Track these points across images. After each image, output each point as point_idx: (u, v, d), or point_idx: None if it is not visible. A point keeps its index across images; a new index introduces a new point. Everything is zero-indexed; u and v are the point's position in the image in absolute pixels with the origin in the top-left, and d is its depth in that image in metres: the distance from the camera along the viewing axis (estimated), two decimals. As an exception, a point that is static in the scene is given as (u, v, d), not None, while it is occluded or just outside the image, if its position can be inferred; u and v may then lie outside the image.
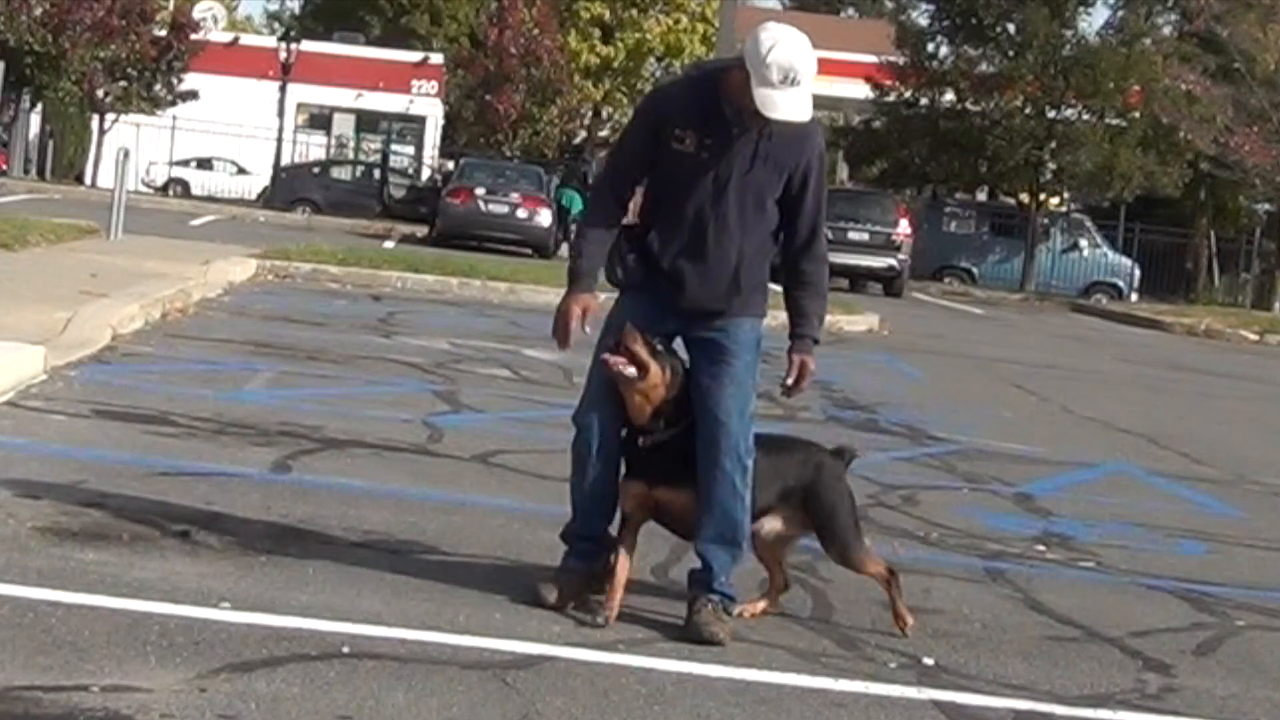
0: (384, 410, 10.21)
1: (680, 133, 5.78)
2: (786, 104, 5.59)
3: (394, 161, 49.85)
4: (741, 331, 5.90)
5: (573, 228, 32.13)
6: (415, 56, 55.50)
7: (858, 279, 34.64)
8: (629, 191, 5.99)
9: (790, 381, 5.95)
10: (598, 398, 5.91)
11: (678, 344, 5.99)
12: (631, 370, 5.74)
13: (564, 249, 32.27)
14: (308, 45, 48.39)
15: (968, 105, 42.11)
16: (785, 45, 5.58)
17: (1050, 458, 11.44)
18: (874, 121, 45.08)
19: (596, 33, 60.48)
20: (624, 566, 5.85)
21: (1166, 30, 46.30)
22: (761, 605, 6.16)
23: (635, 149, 5.99)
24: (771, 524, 6.06)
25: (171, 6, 48.75)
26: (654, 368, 5.75)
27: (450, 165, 43.73)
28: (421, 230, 37.33)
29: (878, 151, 44.55)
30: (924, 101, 42.78)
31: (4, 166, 45.14)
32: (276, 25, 68.97)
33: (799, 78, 5.57)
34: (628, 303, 5.96)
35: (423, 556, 6.43)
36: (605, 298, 6.01)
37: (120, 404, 9.32)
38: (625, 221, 6.00)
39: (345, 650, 5.15)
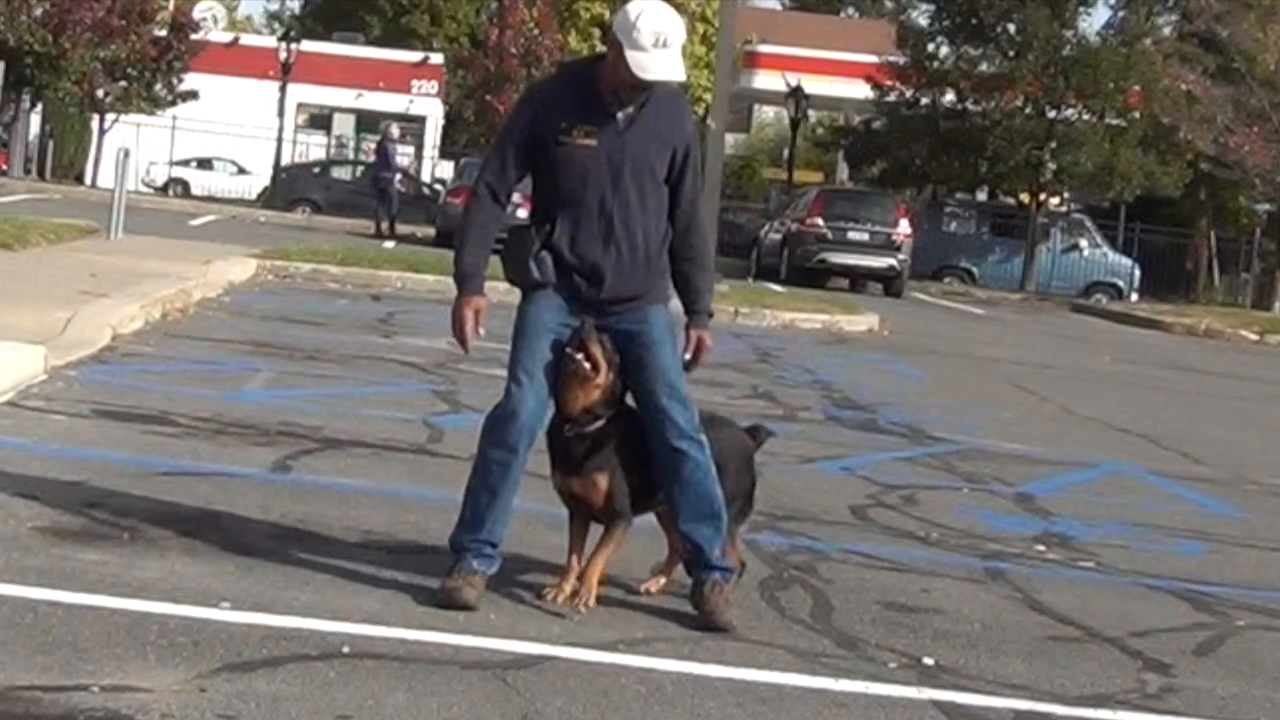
0: (384, 410, 10.21)
1: (566, 126, 5.85)
2: (660, 65, 5.74)
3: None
4: (658, 319, 5.99)
5: None
6: (415, 56, 55.48)
7: (858, 279, 34.63)
8: (508, 190, 5.98)
9: (689, 357, 6.03)
10: (525, 400, 5.87)
11: None
12: (588, 366, 5.81)
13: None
14: (308, 45, 48.41)
15: (968, 105, 42.06)
16: (652, 11, 5.79)
17: (1050, 458, 11.43)
18: (874, 121, 45.07)
19: (596, 33, 60.38)
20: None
21: (1166, 30, 46.29)
22: (663, 581, 6.24)
23: (516, 146, 5.97)
24: None
25: (171, 6, 48.71)
26: (605, 371, 5.84)
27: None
28: (423, 231, 37.17)
29: (878, 151, 44.49)
30: (924, 102, 42.73)
31: (4, 166, 45.15)
32: (276, 25, 68.94)
33: (669, 40, 5.75)
34: (538, 301, 5.95)
35: (423, 556, 6.42)
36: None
37: (120, 404, 9.32)
38: (525, 220, 6.00)
39: (345, 650, 5.15)
